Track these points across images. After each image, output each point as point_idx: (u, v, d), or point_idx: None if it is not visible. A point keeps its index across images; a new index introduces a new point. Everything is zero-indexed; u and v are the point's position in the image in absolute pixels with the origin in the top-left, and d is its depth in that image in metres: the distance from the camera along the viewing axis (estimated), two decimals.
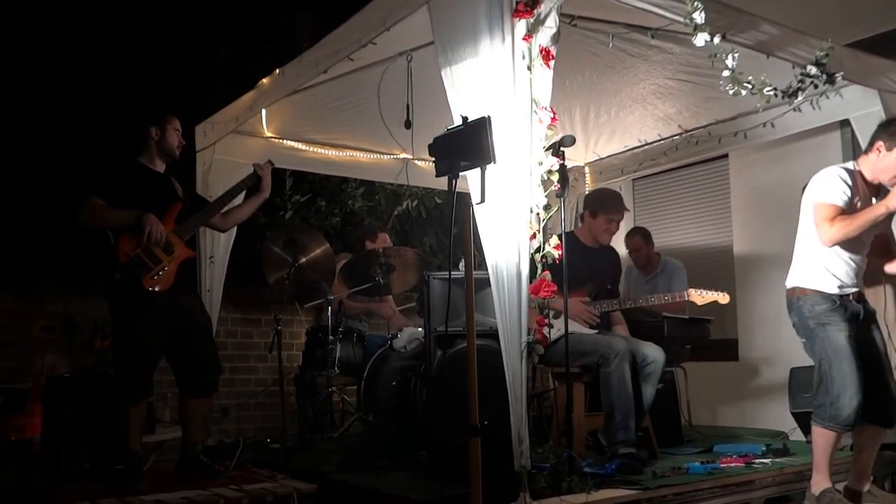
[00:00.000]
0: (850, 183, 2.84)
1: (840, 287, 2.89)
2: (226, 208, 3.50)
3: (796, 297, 2.94)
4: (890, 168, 2.87)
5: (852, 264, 2.89)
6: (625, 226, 4.05)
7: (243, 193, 3.55)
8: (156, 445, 3.92)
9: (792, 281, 2.98)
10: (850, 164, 2.96)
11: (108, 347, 3.98)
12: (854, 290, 2.91)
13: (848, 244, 2.86)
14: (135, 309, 3.11)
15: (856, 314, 2.90)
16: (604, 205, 3.63)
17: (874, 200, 2.91)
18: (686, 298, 3.53)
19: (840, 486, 2.95)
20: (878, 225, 2.87)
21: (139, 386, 3.13)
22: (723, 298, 3.51)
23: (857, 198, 2.86)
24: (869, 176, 2.92)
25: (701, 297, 3.49)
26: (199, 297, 3.95)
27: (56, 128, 5.27)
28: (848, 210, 2.81)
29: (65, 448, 3.32)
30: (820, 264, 2.90)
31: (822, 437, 2.85)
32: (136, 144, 3.32)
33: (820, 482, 2.86)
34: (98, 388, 3.44)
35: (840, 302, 2.88)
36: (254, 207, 3.55)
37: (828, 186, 2.85)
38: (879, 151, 2.88)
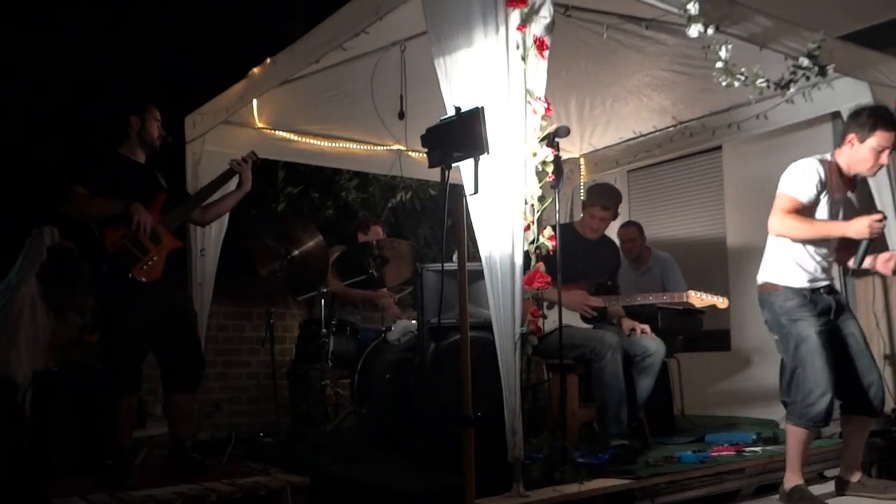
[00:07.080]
0: (822, 177, 2.82)
1: (810, 281, 2.87)
2: (207, 202, 3.45)
3: (767, 293, 2.92)
4: (865, 160, 2.85)
5: (819, 258, 2.88)
6: (619, 218, 4.05)
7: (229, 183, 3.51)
8: (146, 440, 3.89)
9: (762, 277, 2.96)
10: (827, 156, 2.92)
11: (97, 342, 3.95)
12: (825, 283, 2.91)
13: (815, 240, 2.85)
14: (123, 300, 3.07)
15: (827, 307, 2.88)
16: (591, 197, 3.68)
17: (850, 193, 2.92)
18: (685, 300, 3.51)
19: (831, 474, 2.97)
20: (833, 239, 2.87)
21: (128, 378, 3.10)
22: (721, 304, 3.48)
23: (828, 191, 2.84)
24: (845, 168, 2.89)
25: (700, 299, 3.45)
26: (188, 290, 3.91)
27: (43, 116, 5.21)
28: (809, 204, 2.79)
29: (54, 443, 3.30)
30: (789, 259, 2.88)
31: (795, 435, 2.84)
32: (117, 135, 3.27)
33: (791, 479, 2.87)
34: (87, 382, 3.42)
35: (810, 296, 2.86)
36: (234, 202, 3.51)
37: (797, 179, 2.82)
38: (853, 144, 2.86)
